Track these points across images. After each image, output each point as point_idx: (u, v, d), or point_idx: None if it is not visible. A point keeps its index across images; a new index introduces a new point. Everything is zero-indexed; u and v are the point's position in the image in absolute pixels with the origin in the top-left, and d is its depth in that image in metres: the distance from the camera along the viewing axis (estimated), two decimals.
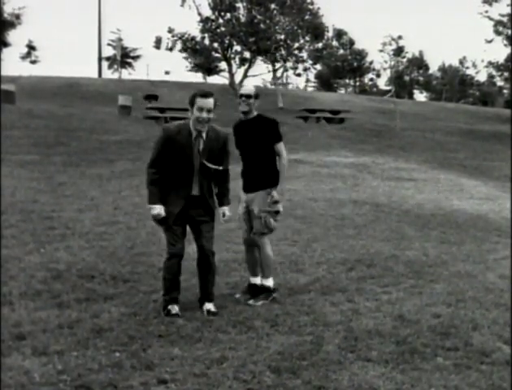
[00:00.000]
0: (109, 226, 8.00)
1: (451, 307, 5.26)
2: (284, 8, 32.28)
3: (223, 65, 41.21)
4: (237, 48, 33.30)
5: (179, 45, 34.03)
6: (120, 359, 3.93)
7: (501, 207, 11.38)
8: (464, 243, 8.12)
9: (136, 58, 70.15)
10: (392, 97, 40.39)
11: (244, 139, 5.44)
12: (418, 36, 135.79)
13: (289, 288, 5.76)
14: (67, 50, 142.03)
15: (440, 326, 4.77)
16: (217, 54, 35.20)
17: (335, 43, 75.80)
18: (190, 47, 34.33)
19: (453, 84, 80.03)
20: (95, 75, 49.00)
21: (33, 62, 66.92)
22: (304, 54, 37.06)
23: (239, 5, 32.34)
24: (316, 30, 34.86)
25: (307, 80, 79.33)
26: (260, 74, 52.84)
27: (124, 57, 62.92)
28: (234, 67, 33.73)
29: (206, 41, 33.28)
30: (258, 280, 5.53)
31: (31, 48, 66.26)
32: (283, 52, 34.13)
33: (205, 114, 4.81)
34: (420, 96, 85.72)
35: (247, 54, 33.66)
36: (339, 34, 76.74)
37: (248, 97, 5.34)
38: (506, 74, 50.08)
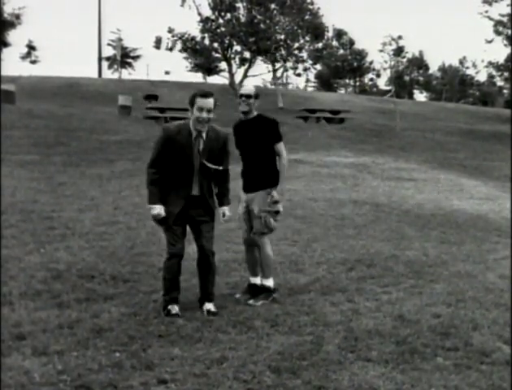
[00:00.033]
0: (109, 226, 8.01)
1: (451, 307, 5.26)
2: (284, 8, 32.28)
3: (223, 65, 41.24)
4: (237, 48, 33.33)
5: (179, 45, 34.06)
6: (120, 359, 3.93)
7: (501, 207, 11.38)
8: (464, 243, 8.12)
9: (136, 58, 70.19)
10: (392, 97, 40.41)
11: (244, 139, 5.44)
12: (418, 36, 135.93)
13: (289, 288, 5.76)
14: (67, 50, 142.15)
15: (440, 326, 4.77)
16: (217, 54, 35.22)
17: (335, 43, 75.83)
18: (190, 47, 34.34)
19: (453, 84, 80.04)
20: (95, 75, 49.07)
21: (33, 62, 66.95)
22: (304, 54, 37.10)
23: (239, 5, 32.35)
24: (316, 30, 34.86)
25: (307, 80, 79.43)
26: (260, 74, 52.90)
27: (124, 57, 62.93)
28: (234, 67, 33.76)
29: (206, 41, 33.30)
30: (258, 280, 5.53)
31: (31, 48, 66.29)
32: (283, 52, 34.14)
33: (205, 114, 4.81)
34: (420, 96, 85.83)
35: (247, 54, 33.68)
36: (339, 34, 76.75)
37: (248, 97, 5.34)
38: (506, 74, 50.09)
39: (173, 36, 33.49)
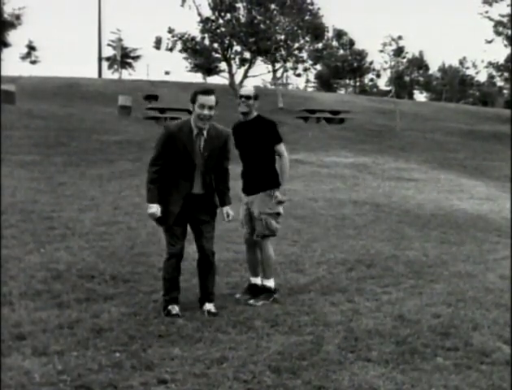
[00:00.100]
0: (109, 226, 8.01)
1: (451, 307, 5.27)
2: (284, 8, 32.25)
3: (223, 65, 41.18)
4: (237, 48, 33.27)
5: (179, 46, 34.01)
6: (120, 359, 3.93)
7: (500, 207, 11.39)
8: (464, 243, 8.12)
9: (136, 58, 70.16)
10: (392, 97, 40.40)
11: (243, 140, 5.44)
12: (418, 37, 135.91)
13: (289, 288, 5.76)
14: (67, 50, 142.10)
15: (440, 326, 4.77)
16: (217, 55, 35.17)
17: (335, 43, 75.85)
18: (190, 47, 34.31)
19: (453, 85, 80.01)
20: (95, 75, 49.04)
21: (33, 62, 66.93)
22: (304, 55, 37.07)
23: (239, 5, 32.31)
24: (316, 30, 34.82)
25: (307, 81, 79.41)
26: (260, 74, 52.69)
27: (124, 57, 62.93)
28: (234, 67, 33.71)
29: (206, 42, 33.25)
30: (258, 280, 5.53)
31: (31, 48, 66.27)
32: (283, 52, 34.10)
33: (206, 111, 4.82)
34: (420, 96, 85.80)
35: (247, 55, 33.63)
36: (339, 34, 76.73)
37: (247, 98, 5.34)
38: (506, 74, 50.09)
39: (173, 37, 33.46)
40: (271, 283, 5.45)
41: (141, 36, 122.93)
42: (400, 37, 78.40)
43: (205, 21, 31.94)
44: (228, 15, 32.07)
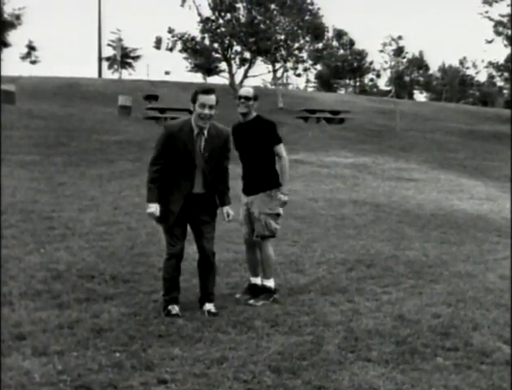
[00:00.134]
0: (109, 226, 8.01)
1: (451, 307, 5.27)
2: (284, 8, 32.23)
3: (223, 65, 41.16)
4: (237, 48, 33.26)
5: (179, 46, 34.00)
6: (120, 359, 3.93)
7: (500, 207, 11.39)
8: (464, 243, 8.12)
9: (136, 58, 70.12)
10: (392, 97, 40.40)
11: (243, 141, 5.44)
12: (418, 37, 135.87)
13: (289, 288, 5.76)
14: (67, 50, 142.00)
15: (440, 326, 4.78)
16: (217, 55, 35.16)
17: (335, 43, 75.85)
18: (190, 47, 34.30)
19: (454, 85, 80.00)
20: (95, 75, 49.03)
21: (33, 62, 66.90)
22: (304, 55, 37.05)
23: (239, 5, 32.29)
24: (316, 30, 34.80)
25: (307, 81, 79.38)
26: (260, 74, 52.68)
27: (124, 57, 62.90)
28: (234, 67, 33.69)
29: (206, 42, 33.25)
30: (258, 280, 5.53)
31: (31, 48, 66.24)
32: (283, 52, 34.08)
33: (207, 111, 4.82)
34: (420, 96, 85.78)
35: (247, 55, 33.62)
36: (339, 34, 76.72)
37: (247, 98, 5.34)
38: (506, 74, 50.07)
39: (173, 37, 33.45)
40: (271, 283, 5.46)
41: (141, 36, 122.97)
42: (400, 37, 78.48)
43: (205, 21, 31.94)
44: (228, 15, 32.06)
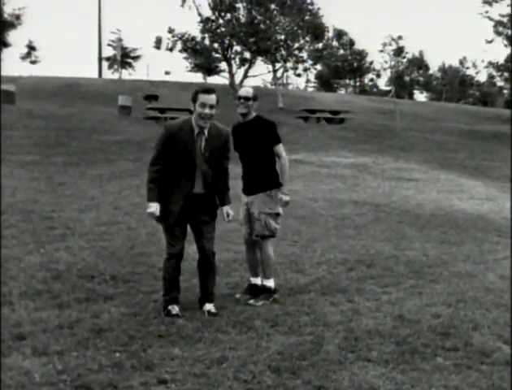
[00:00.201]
0: (109, 226, 8.01)
1: (451, 307, 5.27)
2: (284, 8, 32.22)
3: (223, 65, 41.15)
4: (237, 48, 33.24)
5: (179, 46, 33.99)
6: (120, 359, 3.93)
7: (500, 207, 11.39)
8: (464, 243, 8.12)
9: (136, 58, 70.14)
10: (392, 97, 40.40)
11: (243, 141, 5.44)
12: (418, 37, 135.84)
13: (289, 288, 5.76)
14: (67, 50, 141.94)
15: (440, 326, 4.78)
16: (217, 55, 35.15)
17: (335, 43, 75.82)
18: (190, 47, 34.29)
19: (454, 85, 80.00)
20: (95, 75, 49.07)
21: (33, 62, 66.89)
22: (304, 55, 37.02)
23: (239, 5, 32.28)
24: (316, 30, 34.79)
25: (307, 81, 79.42)
26: (260, 74, 52.72)
27: (124, 57, 62.91)
28: (234, 67, 33.67)
29: (207, 42, 33.24)
30: (258, 280, 5.53)
31: (31, 48, 66.23)
32: (283, 52, 34.08)
33: (207, 110, 4.81)
34: (420, 96, 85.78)
35: (247, 55, 33.60)
36: (339, 34, 76.71)
37: (246, 99, 5.34)
38: (506, 74, 50.07)
39: (173, 37, 33.44)
40: (270, 283, 5.46)
41: (141, 36, 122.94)
42: (400, 37, 78.53)
43: (205, 21, 31.93)
44: (228, 15, 32.05)
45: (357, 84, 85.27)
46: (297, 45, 34.25)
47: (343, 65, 77.09)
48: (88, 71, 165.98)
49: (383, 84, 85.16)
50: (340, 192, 11.82)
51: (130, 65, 69.80)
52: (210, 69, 49.85)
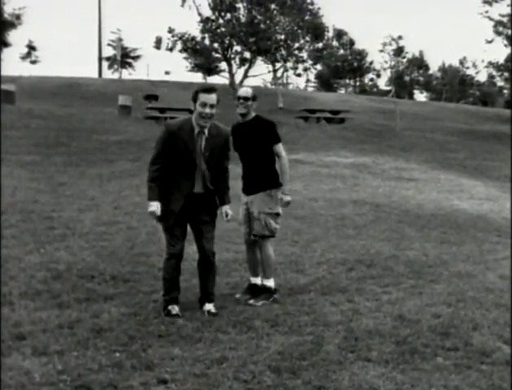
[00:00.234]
0: (109, 226, 8.01)
1: (451, 307, 5.27)
2: (284, 8, 32.21)
3: (223, 65, 41.13)
4: (237, 48, 33.24)
5: (179, 46, 33.98)
6: (120, 359, 3.93)
7: (501, 207, 11.39)
8: (464, 243, 8.12)
9: (136, 58, 70.11)
10: (392, 97, 40.39)
11: (242, 141, 5.44)
12: (418, 37, 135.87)
13: (289, 288, 5.76)
14: (67, 50, 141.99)
15: (441, 326, 4.77)
16: (217, 55, 35.14)
17: (335, 43, 75.79)
18: (190, 47, 34.28)
19: (454, 85, 79.98)
20: (95, 75, 49.04)
21: (33, 62, 66.87)
22: (304, 54, 37.01)
23: (239, 5, 32.28)
24: (316, 30, 34.79)
25: (307, 80, 79.41)
26: (260, 74, 52.75)
27: (124, 57, 62.89)
28: (234, 67, 33.67)
29: (207, 42, 33.24)
30: (258, 280, 5.53)
31: (31, 48, 66.22)
32: (283, 52, 34.07)
33: (208, 110, 4.81)
34: (420, 96, 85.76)
35: (247, 55, 33.60)
36: (339, 34, 76.69)
37: (246, 99, 5.34)
38: (506, 74, 50.07)
39: (173, 37, 33.44)
40: (270, 283, 5.46)
41: (141, 36, 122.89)
42: (400, 37, 78.54)
43: (205, 21, 31.93)
44: (228, 15, 32.04)
45: (358, 84, 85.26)
46: (297, 44, 34.24)
47: (343, 65, 77.07)
48: (88, 70, 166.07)
49: (383, 84, 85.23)
50: (340, 192, 11.82)
51: (130, 65, 69.79)
52: (210, 69, 49.83)
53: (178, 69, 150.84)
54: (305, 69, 43.57)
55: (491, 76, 72.27)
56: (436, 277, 6.33)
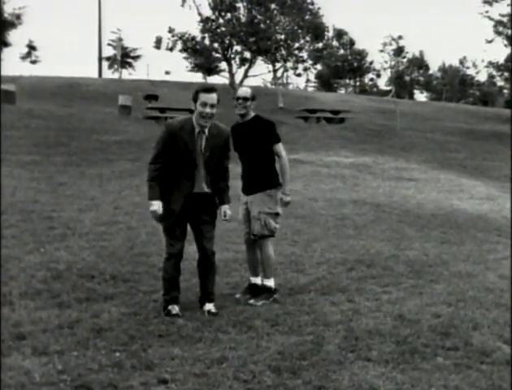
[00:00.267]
0: (109, 226, 8.01)
1: (451, 307, 5.26)
2: (284, 8, 32.21)
3: (223, 65, 41.12)
4: (237, 48, 33.23)
5: (179, 45, 33.98)
6: (120, 359, 3.93)
7: (500, 207, 11.39)
8: (464, 243, 8.12)
9: (136, 58, 70.11)
10: (392, 97, 40.39)
11: (242, 141, 5.44)
12: (419, 36, 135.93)
13: (289, 288, 5.76)
14: (67, 50, 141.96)
15: (441, 326, 4.77)
16: (217, 54, 35.13)
17: (335, 43, 75.78)
18: (190, 47, 34.28)
19: (454, 84, 79.99)
20: (95, 75, 49.02)
21: (33, 62, 66.89)
22: (304, 54, 36.98)
23: (239, 5, 32.27)
24: (316, 30, 34.77)
25: (307, 80, 79.41)
26: (260, 74, 52.82)
27: (124, 57, 62.89)
28: (234, 67, 33.67)
29: (207, 41, 33.23)
30: (258, 280, 5.53)
31: (31, 48, 66.24)
32: (283, 52, 34.06)
33: (208, 109, 4.81)
34: (420, 96, 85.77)
35: (247, 54, 33.60)
36: (339, 34, 76.69)
37: (244, 99, 5.33)
38: (506, 74, 50.06)
39: (173, 36, 33.43)
40: (271, 282, 5.46)
41: (141, 36, 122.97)
42: (400, 37, 78.62)
43: (205, 21, 31.92)
44: (228, 15, 32.04)
45: (358, 83, 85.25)
46: (297, 44, 34.23)
47: (343, 65, 77.07)
48: (89, 70, 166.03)
49: (383, 83, 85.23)
50: (340, 192, 11.82)
51: (130, 65, 69.80)
52: (210, 69, 49.84)
53: (178, 69, 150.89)
54: (305, 69, 43.54)
55: (491, 76, 72.29)
56: (436, 277, 6.33)
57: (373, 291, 5.74)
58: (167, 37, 34.10)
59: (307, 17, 33.30)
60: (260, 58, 34.25)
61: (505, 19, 37.07)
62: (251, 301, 5.28)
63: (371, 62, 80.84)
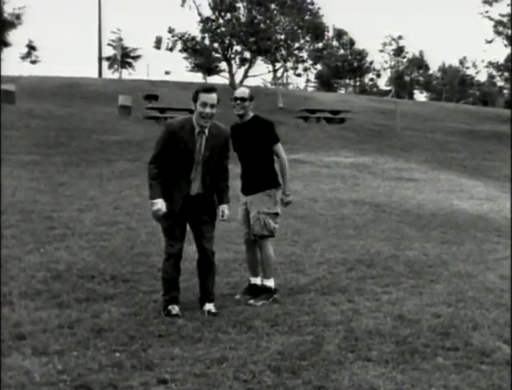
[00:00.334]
0: (109, 226, 8.01)
1: (451, 307, 5.26)
2: (284, 8, 32.22)
3: (223, 65, 41.14)
4: (237, 48, 33.26)
5: (179, 45, 34.00)
6: (120, 359, 3.93)
7: (500, 207, 11.39)
8: (464, 243, 8.12)
9: (136, 58, 70.12)
10: (392, 97, 40.39)
11: (241, 142, 5.44)
12: (419, 37, 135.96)
13: (289, 288, 5.76)
14: (67, 50, 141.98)
15: (441, 326, 4.77)
16: (217, 54, 35.15)
17: (335, 43, 75.77)
18: (190, 47, 34.30)
19: (454, 85, 79.99)
20: (95, 75, 49.03)
21: (33, 62, 66.88)
22: (304, 54, 36.98)
23: (239, 5, 32.29)
24: (316, 30, 34.76)
25: (307, 80, 79.44)
26: (260, 74, 52.84)
27: (124, 57, 62.90)
28: (234, 67, 33.69)
29: (207, 41, 33.25)
30: (258, 280, 5.53)
31: (31, 48, 66.23)
32: (283, 52, 34.06)
33: (208, 110, 4.80)
34: (420, 96, 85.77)
35: (247, 54, 33.61)
36: (339, 34, 76.69)
37: (243, 99, 5.32)
38: (506, 74, 50.06)
39: (173, 37, 33.45)
40: (270, 283, 5.46)
41: (141, 36, 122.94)
42: (400, 37, 78.65)
43: (205, 21, 31.94)
44: (228, 15, 32.05)
45: (358, 83, 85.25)
46: (297, 44, 34.23)
47: (343, 65, 77.07)
48: (89, 70, 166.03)
49: (383, 83, 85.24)
50: (340, 192, 11.82)
51: (130, 65, 69.80)
52: (210, 69, 49.83)
53: (178, 69, 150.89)
54: (305, 69, 43.50)
55: (491, 76, 72.29)
56: (436, 277, 6.33)
57: (373, 291, 5.74)
58: (166, 37, 34.15)
59: (307, 17, 33.30)
60: (260, 58, 34.26)
61: (505, 19, 37.09)
62: (251, 302, 5.28)
63: (371, 62, 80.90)
